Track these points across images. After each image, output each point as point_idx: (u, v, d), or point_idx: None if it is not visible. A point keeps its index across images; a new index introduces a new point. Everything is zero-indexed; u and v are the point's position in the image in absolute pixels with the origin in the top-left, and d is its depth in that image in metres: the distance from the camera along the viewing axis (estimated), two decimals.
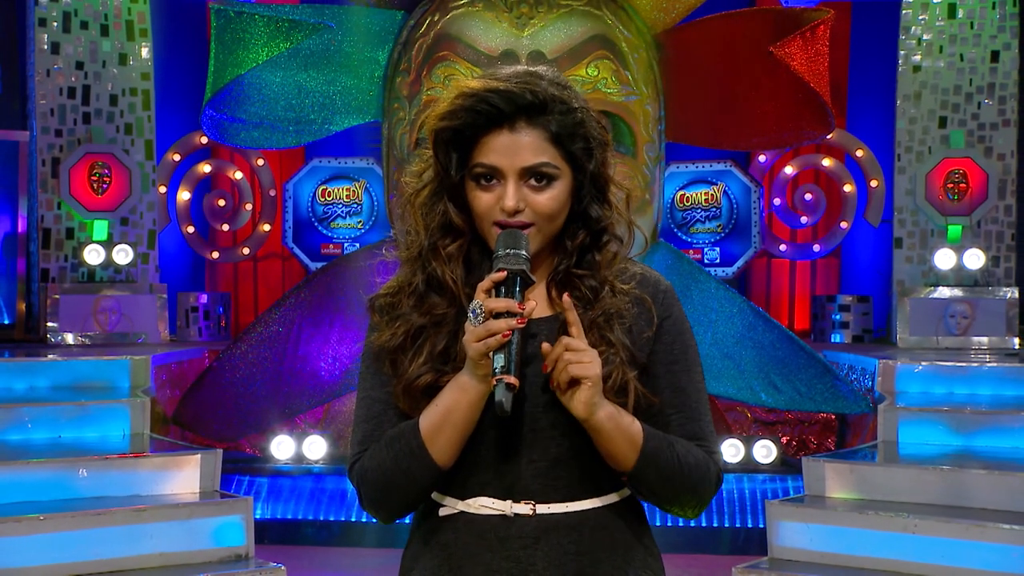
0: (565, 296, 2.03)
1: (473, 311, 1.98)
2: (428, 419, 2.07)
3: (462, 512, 2.12)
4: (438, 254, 2.13)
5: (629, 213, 2.17)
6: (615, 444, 2.04)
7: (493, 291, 1.99)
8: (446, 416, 2.05)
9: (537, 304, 2.05)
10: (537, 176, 2.06)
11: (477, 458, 2.10)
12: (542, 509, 2.10)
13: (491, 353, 1.96)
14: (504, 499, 2.10)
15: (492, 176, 2.07)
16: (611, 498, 2.14)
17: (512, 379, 1.94)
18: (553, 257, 2.15)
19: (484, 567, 2.10)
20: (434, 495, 2.15)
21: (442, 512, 2.14)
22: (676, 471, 2.09)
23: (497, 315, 1.95)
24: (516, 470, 2.10)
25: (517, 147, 2.05)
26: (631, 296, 2.13)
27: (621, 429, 2.04)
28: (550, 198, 2.07)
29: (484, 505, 2.11)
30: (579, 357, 1.98)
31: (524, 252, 2.02)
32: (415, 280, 2.15)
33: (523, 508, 2.09)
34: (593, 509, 2.12)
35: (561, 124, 2.06)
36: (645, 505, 2.23)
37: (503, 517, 2.10)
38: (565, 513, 2.10)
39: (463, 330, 2.02)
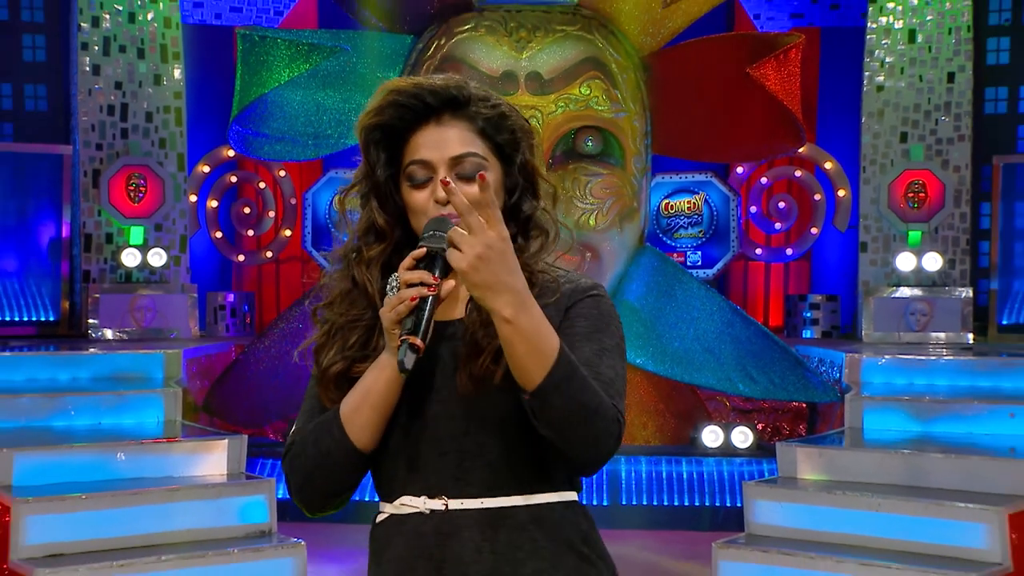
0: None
1: (391, 284, 1.84)
2: (347, 400, 1.92)
3: (391, 515, 1.96)
4: (360, 257, 1.97)
5: (555, 210, 2.00)
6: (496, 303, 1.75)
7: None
8: (364, 396, 1.90)
9: (459, 303, 1.94)
10: (472, 168, 1.88)
11: (397, 457, 1.94)
12: (455, 504, 1.90)
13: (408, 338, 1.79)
14: (419, 496, 1.92)
15: (425, 174, 1.91)
16: (538, 498, 1.93)
17: (416, 340, 1.77)
18: None
19: (406, 564, 1.93)
20: (380, 504, 2.00)
21: (378, 519, 2.00)
22: (591, 404, 1.80)
23: (411, 286, 1.79)
24: (429, 466, 1.92)
25: (445, 139, 1.91)
26: (552, 290, 1.93)
27: (533, 315, 1.76)
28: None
29: (404, 504, 1.94)
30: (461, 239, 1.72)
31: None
32: (342, 283, 2.00)
33: (436, 504, 1.91)
34: (513, 507, 1.91)
35: (486, 118, 1.92)
36: (593, 513, 2.04)
37: (420, 514, 1.92)
38: (479, 509, 1.90)
39: (377, 328, 1.91)
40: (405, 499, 1.94)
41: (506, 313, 1.74)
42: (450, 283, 1.80)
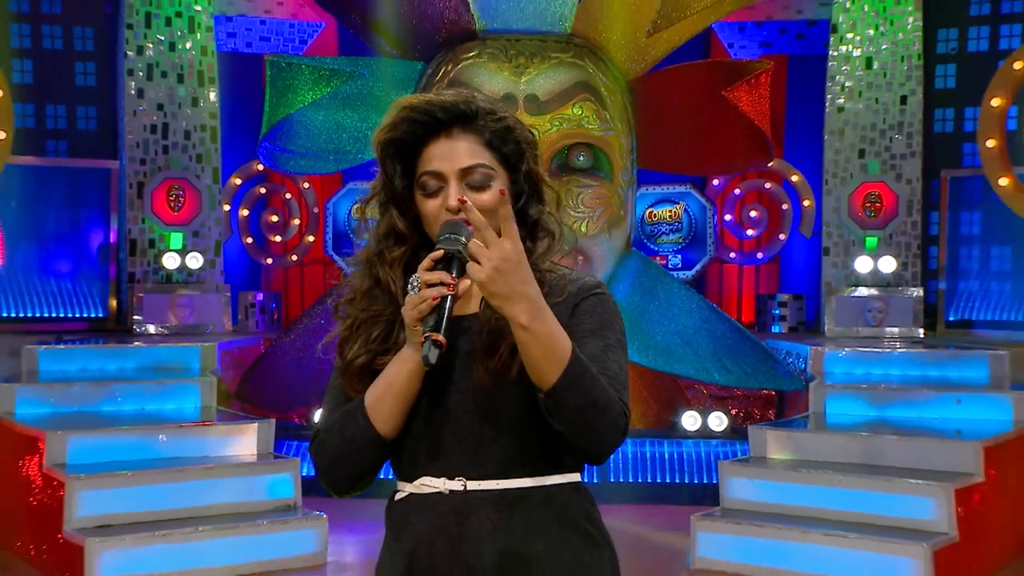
0: (500, 191, 1.74)
1: (411, 284, 1.80)
2: (372, 391, 1.87)
3: (411, 494, 1.90)
4: (383, 258, 1.93)
5: (559, 213, 1.96)
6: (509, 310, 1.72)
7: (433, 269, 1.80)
8: (388, 387, 1.85)
9: (473, 299, 1.88)
10: (481, 179, 1.86)
11: (418, 442, 1.89)
12: (473, 486, 1.85)
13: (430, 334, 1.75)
14: (440, 477, 1.87)
15: (437, 184, 1.86)
16: (547, 480, 1.88)
17: (438, 336, 1.73)
18: None
19: (426, 542, 1.88)
20: (397, 483, 1.95)
21: (397, 497, 1.94)
22: (597, 399, 1.77)
23: (431, 286, 1.76)
24: (448, 450, 1.87)
25: (455, 151, 1.86)
26: (559, 288, 1.88)
27: (546, 318, 1.72)
28: (490, 196, 1.85)
29: (425, 484, 1.88)
30: (480, 252, 1.69)
31: (463, 237, 1.78)
32: (364, 282, 1.95)
33: (456, 485, 1.85)
34: (526, 488, 1.86)
35: (493, 130, 1.87)
36: (595, 494, 1.98)
37: (440, 494, 1.86)
38: (495, 490, 1.85)
39: (397, 324, 1.87)
40: (426, 480, 1.89)
41: (522, 320, 1.70)
42: (466, 282, 1.76)
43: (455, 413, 1.87)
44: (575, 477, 1.93)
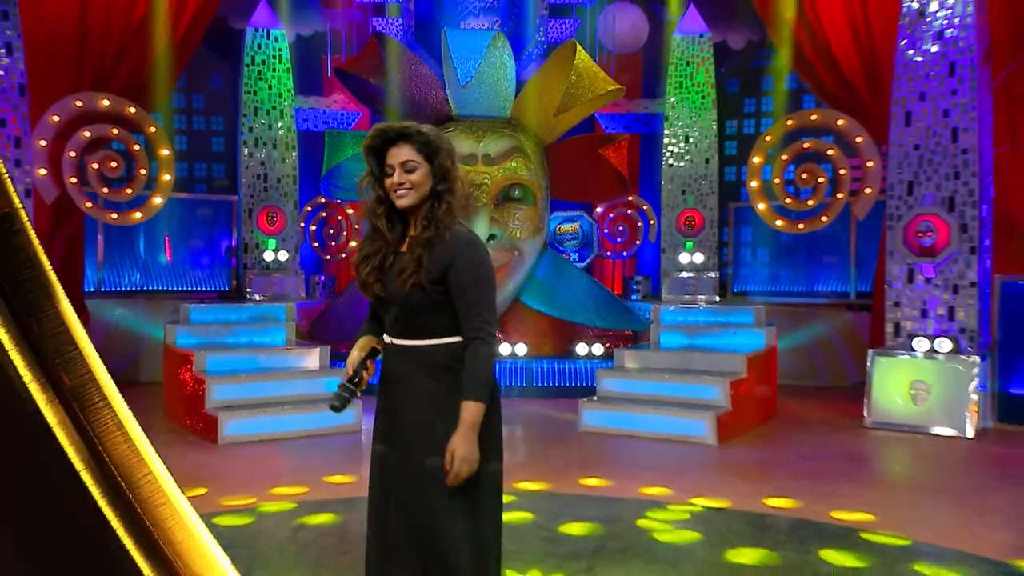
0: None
1: (356, 371, 2.02)
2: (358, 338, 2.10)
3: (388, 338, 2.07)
4: (375, 214, 2.05)
5: (463, 190, 2.05)
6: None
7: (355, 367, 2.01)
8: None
9: (406, 243, 2.02)
10: (411, 167, 2.00)
11: (384, 316, 2.07)
12: (397, 342, 2.02)
13: (344, 385, 1.97)
14: (390, 337, 2.04)
15: (392, 169, 2.01)
16: (428, 342, 2.00)
17: (339, 404, 1.97)
18: (421, 208, 2.04)
19: (384, 368, 2.07)
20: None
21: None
22: (488, 379, 1.96)
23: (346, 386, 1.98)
24: (389, 321, 2.04)
25: (400, 153, 1.99)
26: (443, 236, 1.99)
27: (477, 422, 1.92)
28: (417, 176, 2.00)
29: (388, 337, 2.06)
30: (459, 469, 1.91)
31: (348, 392, 1.98)
32: (368, 228, 2.07)
33: (389, 340, 2.04)
34: (415, 345, 2.00)
35: (421, 142, 2.00)
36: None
37: (389, 344, 2.05)
38: (403, 344, 2.01)
39: (387, 256, 2.02)
40: (387, 337, 2.05)
41: (475, 444, 1.93)
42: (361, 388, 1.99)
43: (390, 306, 2.02)
44: (456, 339, 2.00)
